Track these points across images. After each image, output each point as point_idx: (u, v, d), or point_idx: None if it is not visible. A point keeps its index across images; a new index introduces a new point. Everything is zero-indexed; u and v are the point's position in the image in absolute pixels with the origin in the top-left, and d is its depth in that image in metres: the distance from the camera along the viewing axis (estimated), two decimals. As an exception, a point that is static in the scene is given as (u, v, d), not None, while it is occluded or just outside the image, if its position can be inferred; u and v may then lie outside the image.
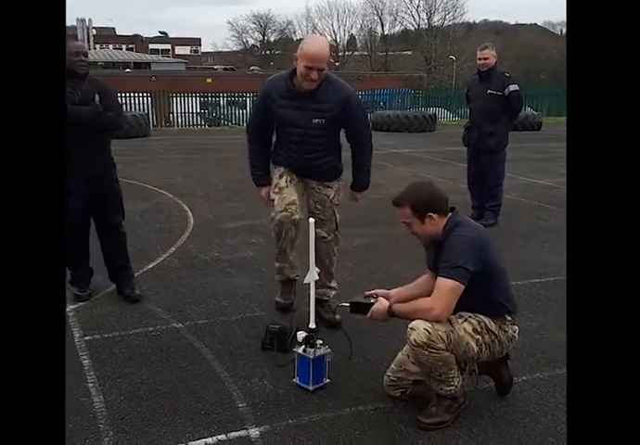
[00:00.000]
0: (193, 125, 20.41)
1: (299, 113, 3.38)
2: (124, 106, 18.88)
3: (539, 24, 71.73)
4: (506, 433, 2.63)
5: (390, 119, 17.35)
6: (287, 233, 3.55)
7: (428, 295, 2.92)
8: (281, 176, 3.58)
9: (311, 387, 2.92)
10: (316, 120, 3.38)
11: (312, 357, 2.88)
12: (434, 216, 2.69)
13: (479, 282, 2.60)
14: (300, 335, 2.92)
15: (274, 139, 3.69)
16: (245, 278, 4.58)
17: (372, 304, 2.77)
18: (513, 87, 5.87)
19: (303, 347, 2.91)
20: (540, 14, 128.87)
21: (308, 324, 2.93)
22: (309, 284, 2.94)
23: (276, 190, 3.57)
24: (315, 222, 3.59)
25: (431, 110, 20.90)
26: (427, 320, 2.59)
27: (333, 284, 3.82)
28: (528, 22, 76.30)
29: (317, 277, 2.93)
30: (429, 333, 2.56)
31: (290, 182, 3.56)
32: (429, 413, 2.69)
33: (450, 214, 2.75)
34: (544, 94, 24.36)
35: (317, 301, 3.70)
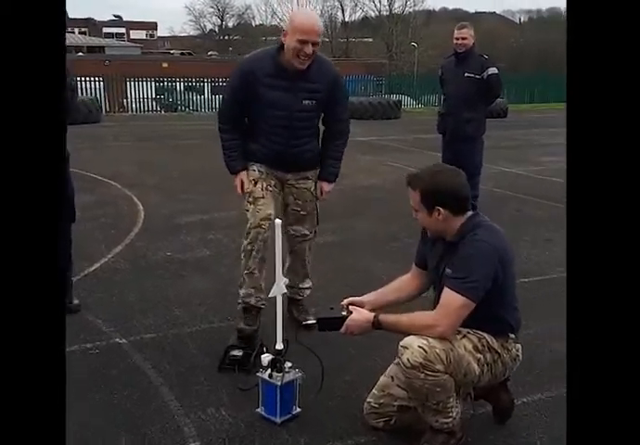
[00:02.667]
0: (148, 111, 19.66)
1: (288, 94, 3.01)
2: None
3: (498, 12, 72.24)
4: (513, 474, 2.22)
5: (353, 105, 16.77)
6: (257, 251, 3.08)
7: (409, 300, 2.49)
8: (255, 182, 3.14)
9: (278, 420, 2.45)
10: (307, 102, 3.05)
11: (279, 384, 2.40)
12: (443, 212, 2.23)
13: (489, 296, 2.17)
14: (266, 358, 2.43)
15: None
16: (200, 281, 4.07)
17: (345, 317, 2.30)
18: (492, 70, 5.43)
19: (269, 371, 2.43)
20: (499, 2, 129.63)
21: (274, 343, 2.45)
22: (275, 297, 2.45)
23: (250, 199, 3.13)
24: (296, 220, 3.27)
25: (395, 97, 20.52)
26: (421, 335, 2.14)
27: (308, 284, 3.47)
28: (487, 10, 76.89)
29: (285, 290, 2.45)
30: (426, 351, 2.11)
31: (267, 189, 3.14)
32: (421, 451, 2.25)
33: (469, 214, 2.29)
34: (505, 81, 24.21)
35: (290, 299, 3.42)
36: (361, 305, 2.37)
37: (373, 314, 2.26)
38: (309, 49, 2.88)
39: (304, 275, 3.44)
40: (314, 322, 2.34)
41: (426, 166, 2.33)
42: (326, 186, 3.34)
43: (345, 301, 2.38)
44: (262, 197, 3.12)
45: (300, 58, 2.91)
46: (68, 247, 3.52)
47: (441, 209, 2.23)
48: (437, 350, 2.12)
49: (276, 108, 3.03)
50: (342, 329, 2.29)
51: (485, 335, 2.27)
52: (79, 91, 16.95)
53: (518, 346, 2.38)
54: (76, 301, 3.56)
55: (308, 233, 3.32)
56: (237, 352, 2.88)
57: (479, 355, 2.23)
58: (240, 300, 3.17)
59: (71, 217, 3.51)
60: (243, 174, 3.16)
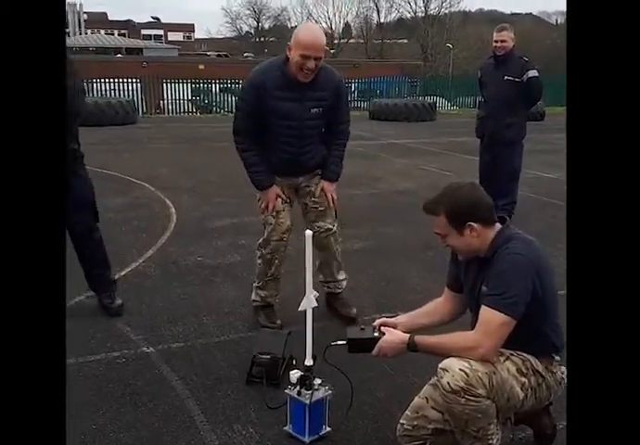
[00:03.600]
0: (184, 112, 19.78)
1: (295, 104, 3.10)
2: (113, 91, 18.24)
3: (534, 13, 71.10)
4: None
5: (388, 107, 16.71)
6: (280, 261, 3.36)
7: (442, 324, 2.37)
8: (277, 196, 3.30)
9: (307, 439, 2.36)
10: (314, 110, 3.15)
11: (308, 402, 2.30)
12: (476, 226, 2.11)
13: (530, 312, 2.03)
14: (294, 375, 2.34)
15: None
16: (231, 289, 4.00)
17: (377, 339, 2.17)
18: (532, 73, 5.27)
19: (298, 388, 2.34)
20: (535, 3, 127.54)
21: (304, 359, 2.36)
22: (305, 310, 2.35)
23: (273, 213, 3.28)
24: (317, 216, 3.36)
25: (430, 99, 20.27)
26: (461, 358, 2.02)
27: (343, 275, 3.60)
28: (523, 12, 75.73)
29: (316, 303, 2.35)
30: (468, 375, 1.98)
31: (285, 202, 3.31)
32: (458, 479, 2.12)
33: (499, 226, 2.17)
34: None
35: (330, 295, 3.54)
36: (393, 327, 2.25)
37: (408, 335, 2.14)
38: (311, 64, 2.94)
39: (338, 267, 3.54)
40: (344, 343, 2.23)
41: (441, 191, 2.17)
42: (328, 186, 3.37)
43: (377, 322, 2.27)
44: (283, 210, 3.29)
45: (304, 72, 2.98)
46: (95, 245, 3.50)
47: (473, 224, 2.11)
48: (479, 374, 1.99)
49: (288, 118, 3.11)
50: (375, 351, 2.18)
51: (529, 357, 2.13)
52: (92, 92, 17.19)
53: (564, 368, 2.23)
54: (118, 302, 3.55)
55: (331, 226, 3.39)
56: (264, 356, 2.77)
57: (523, 379, 2.09)
58: (259, 300, 3.44)
59: (94, 217, 3.48)
60: (274, 192, 3.26)
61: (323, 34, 3.09)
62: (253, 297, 3.48)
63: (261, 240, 3.36)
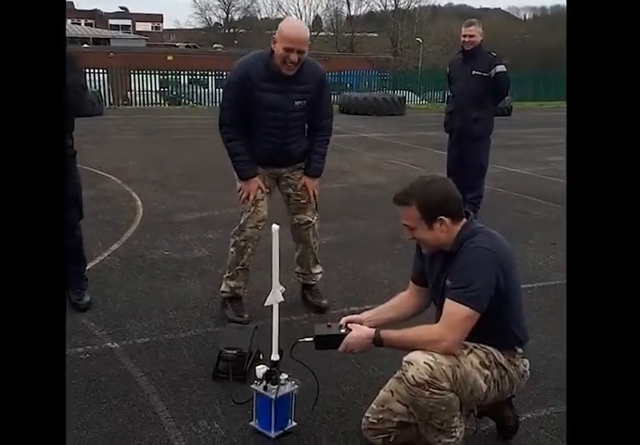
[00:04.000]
0: (152, 104, 19.51)
1: (280, 96, 3.17)
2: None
3: (503, 9, 71.88)
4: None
5: (357, 101, 16.73)
6: (253, 250, 3.39)
7: (409, 317, 2.38)
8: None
9: (273, 434, 2.35)
10: (298, 103, 3.22)
11: (274, 397, 2.30)
12: (446, 221, 2.12)
13: (494, 306, 2.06)
14: (260, 370, 2.33)
15: None
16: (198, 283, 3.96)
17: (343, 335, 2.18)
18: (500, 68, 5.32)
19: (264, 383, 2.33)
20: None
21: (270, 354, 2.35)
22: (271, 306, 2.34)
23: (253, 201, 3.33)
24: (298, 209, 3.43)
25: (399, 93, 20.35)
26: (426, 351, 2.03)
27: (319, 269, 3.67)
28: (492, 7, 76.45)
29: (282, 298, 2.34)
30: (432, 368, 2.00)
31: (264, 192, 3.35)
32: (422, 471, 2.14)
33: (464, 220, 2.18)
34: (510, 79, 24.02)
35: (304, 286, 3.68)
36: (359, 323, 2.26)
37: (374, 330, 2.15)
38: (294, 57, 3.01)
39: (314, 261, 3.62)
40: (311, 339, 2.23)
41: (411, 184, 2.18)
42: (310, 182, 3.41)
43: (343, 320, 2.27)
44: (262, 199, 3.33)
45: (287, 65, 3.05)
46: (75, 242, 3.49)
47: (444, 218, 2.12)
48: (443, 367, 2.01)
49: (273, 109, 3.17)
50: (341, 348, 2.18)
51: (492, 349, 2.16)
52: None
53: (526, 361, 2.27)
54: (87, 298, 3.52)
55: (310, 219, 3.47)
56: (230, 351, 2.75)
57: (486, 371, 2.12)
58: (228, 291, 3.44)
59: (79, 214, 3.48)
60: (256, 182, 3.30)
61: (307, 29, 3.19)
62: (222, 288, 3.48)
63: (236, 227, 3.39)
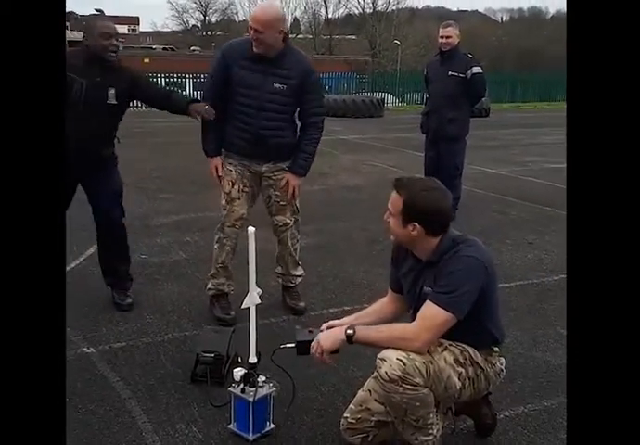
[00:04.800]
0: (129, 106, 19.31)
1: (257, 76, 3.20)
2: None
3: (480, 11, 72.63)
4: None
5: (336, 103, 16.74)
6: (232, 248, 3.43)
7: (388, 322, 2.36)
8: (233, 184, 3.34)
9: (251, 437, 2.34)
10: (277, 85, 3.21)
11: (251, 400, 2.29)
12: (419, 229, 2.13)
13: (474, 309, 2.08)
14: (238, 372, 2.32)
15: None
16: (175, 286, 3.93)
17: None
18: (476, 69, 5.35)
19: (242, 386, 2.32)
20: (481, 1, 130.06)
21: (248, 356, 2.33)
22: (248, 308, 2.33)
23: (228, 199, 3.37)
24: (277, 210, 3.42)
25: (378, 95, 20.42)
26: (399, 348, 2.04)
27: (299, 271, 3.66)
28: (469, 9, 77.18)
29: (259, 301, 2.33)
30: (405, 364, 2.00)
31: (243, 190, 3.35)
32: (399, 471, 2.15)
33: (442, 235, 2.17)
34: (487, 80, 24.22)
35: (283, 287, 3.68)
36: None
37: (347, 326, 2.15)
38: (254, 35, 3.09)
39: (294, 263, 3.60)
40: (293, 345, 2.23)
41: (419, 178, 2.23)
42: (293, 179, 3.37)
43: (324, 326, 2.27)
44: (239, 199, 3.35)
45: (255, 42, 3.11)
46: (124, 242, 3.62)
47: (417, 225, 2.13)
48: (416, 363, 2.02)
49: (247, 87, 3.20)
50: (314, 347, 2.17)
51: (468, 347, 2.17)
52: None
53: (503, 360, 2.29)
54: (130, 300, 3.58)
55: (289, 221, 3.46)
56: (208, 354, 2.73)
57: (460, 369, 2.13)
58: (213, 288, 3.47)
59: (122, 211, 3.57)
60: (215, 162, 3.36)
61: (273, 12, 3.17)
62: (208, 285, 3.50)
63: (219, 224, 3.43)
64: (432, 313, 2.06)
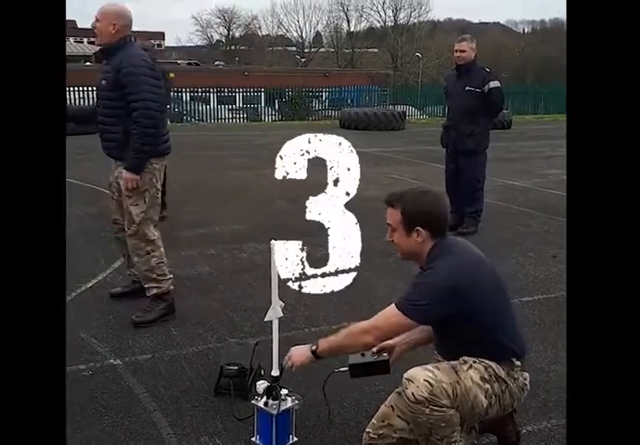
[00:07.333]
0: (154, 121, 19.56)
1: (98, 75, 3.45)
2: (83, 100, 17.99)
3: (502, 23, 72.46)
4: None
5: (358, 116, 16.80)
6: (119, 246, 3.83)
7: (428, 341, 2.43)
8: (110, 184, 3.67)
9: (274, 450, 2.36)
10: (103, 82, 3.39)
11: (275, 413, 2.31)
12: (423, 233, 2.18)
13: (464, 321, 2.11)
14: (261, 385, 2.35)
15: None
16: (199, 299, 3.99)
17: (378, 361, 2.29)
18: (493, 84, 5.35)
19: (265, 399, 2.35)
20: (502, 13, 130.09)
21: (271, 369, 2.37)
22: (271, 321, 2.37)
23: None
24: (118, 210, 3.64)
25: (399, 108, 20.46)
26: (425, 367, 2.07)
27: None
28: (491, 21, 77.10)
29: (281, 314, 2.36)
30: (432, 386, 2.02)
31: (112, 198, 3.66)
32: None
33: (438, 238, 2.22)
34: (509, 92, 24.15)
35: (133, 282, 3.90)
36: (391, 349, 2.34)
37: (313, 343, 2.26)
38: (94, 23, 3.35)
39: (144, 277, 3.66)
40: (346, 369, 2.31)
41: (409, 188, 2.29)
42: (125, 175, 3.40)
43: (375, 349, 2.31)
44: (111, 199, 3.70)
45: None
46: None
47: (421, 229, 2.17)
48: (443, 385, 2.04)
49: (96, 87, 3.48)
50: (285, 360, 2.28)
51: (491, 363, 2.17)
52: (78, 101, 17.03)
53: (526, 375, 2.28)
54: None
55: (126, 228, 3.55)
56: (232, 367, 2.77)
57: (486, 386, 2.13)
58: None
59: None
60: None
61: (111, 10, 3.34)
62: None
63: None
64: (389, 314, 2.14)
